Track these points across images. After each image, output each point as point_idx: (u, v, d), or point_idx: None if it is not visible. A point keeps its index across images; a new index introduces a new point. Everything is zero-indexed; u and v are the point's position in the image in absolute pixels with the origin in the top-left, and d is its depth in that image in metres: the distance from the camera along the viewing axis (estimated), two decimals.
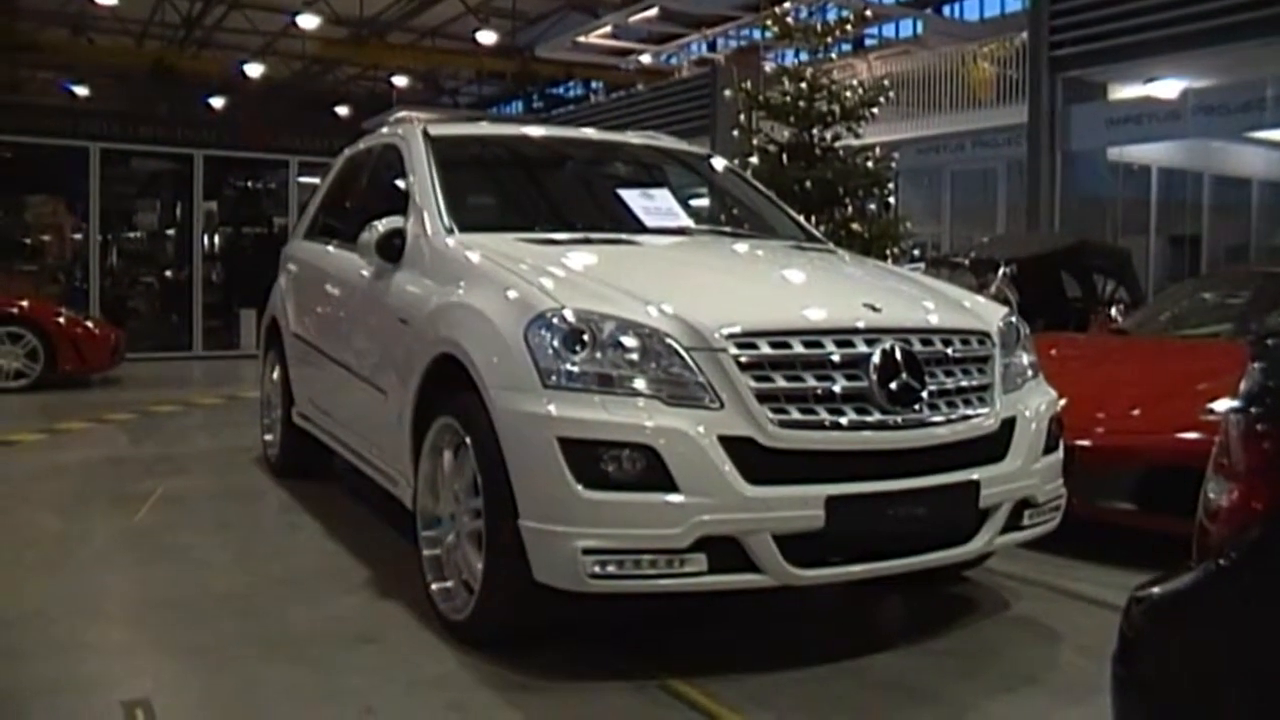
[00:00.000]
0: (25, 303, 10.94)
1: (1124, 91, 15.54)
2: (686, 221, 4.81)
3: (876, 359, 3.43)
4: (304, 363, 5.69)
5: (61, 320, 10.85)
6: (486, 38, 26.51)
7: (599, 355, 3.30)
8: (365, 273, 4.61)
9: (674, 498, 3.17)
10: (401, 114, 6.51)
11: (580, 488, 3.17)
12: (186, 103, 27.36)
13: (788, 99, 10.92)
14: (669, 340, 3.31)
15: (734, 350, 3.31)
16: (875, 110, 11.12)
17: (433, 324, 3.87)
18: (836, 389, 3.37)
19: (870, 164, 10.94)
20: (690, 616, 3.91)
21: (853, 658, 3.62)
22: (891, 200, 11.57)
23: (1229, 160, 18.20)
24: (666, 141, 5.73)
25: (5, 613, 3.95)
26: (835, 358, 3.40)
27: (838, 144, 10.96)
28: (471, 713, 3.18)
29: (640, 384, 3.27)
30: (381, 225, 4.37)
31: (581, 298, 3.46)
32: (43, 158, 14.63)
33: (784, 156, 10.85)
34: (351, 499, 5.74)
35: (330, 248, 5.50)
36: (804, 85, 10.91)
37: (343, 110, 32.35)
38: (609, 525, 3.17)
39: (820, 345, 3.41)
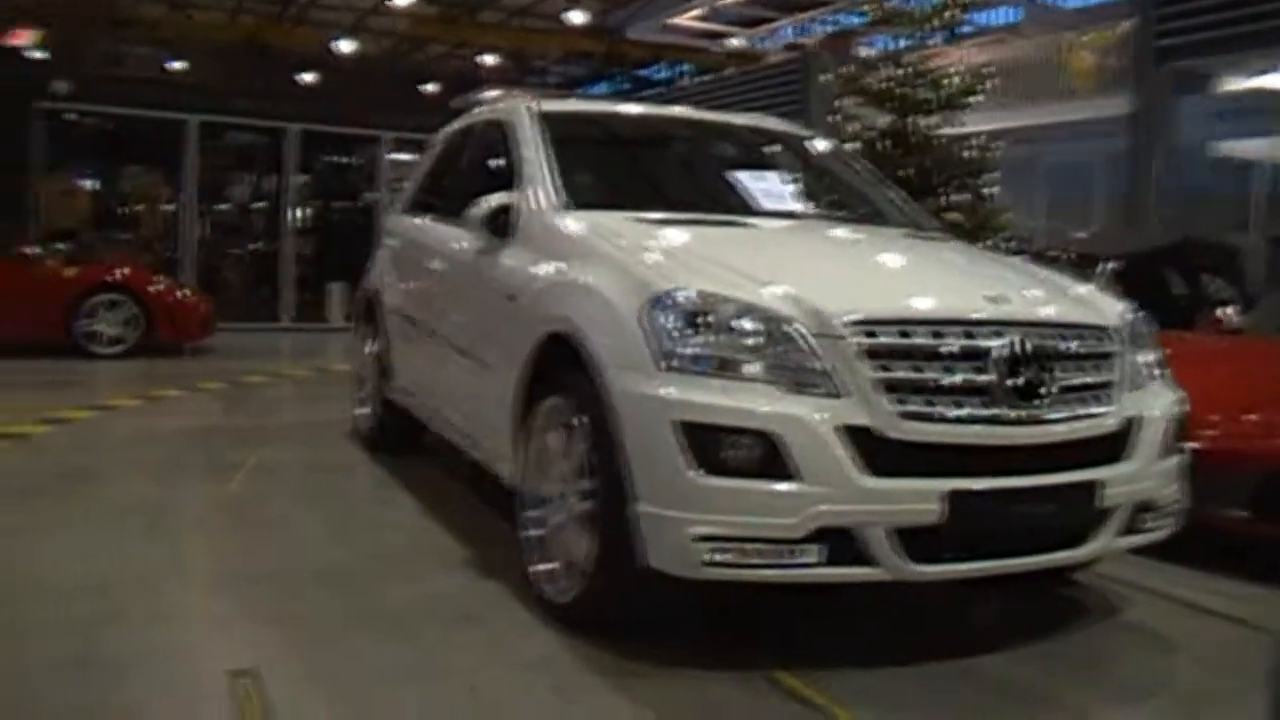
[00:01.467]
0: (124, 271, 11.13)
1: (1233, 84, 15.07)
2: (799, 205, 4.72)
3: (1001, 352, 3.33)
4: (402, 337, 5.69)
5: (158, 289, 11.04)
6: (576, 18, 26.46)
7: (718, 338, 3.24)
8: (471, 248, 4.57)
9: (791, 486, 3.11)
10: (495, 92, 6.49)
11: (697, 473, 3.12)
12: (279, 78, 27.64)
13: (886, 85, 10.74)
14: (790, 325, 3.23)
15: (856, 338, 3.22)
16: (977, 98, 10.87)
17: (543, 301, 3.82)
18: (958, 381, 3.28)
19: (969, 153, 10.71)
20: (798, 608, 3.84)
21: (962, 657, 3.53)
22: (991, 190, 11.29)
23: None
24: (776, 124, 5.64)
25: (108, 577, 3.98)
26: (958, 349, 3.31)
27: (936, 133, 10.76)
28: (576, 697, 3.14)
29: (760, 369, 3.20)
30: (490, 200, 4.34)
31: (700, 279, 3.40)
32: (142, 130, 14.87)
33: (883, 144, 10.67)
34: (446, 476, 5.73)
35: (433, 222, 5.48)
36: (904, 71, 10.72)
37: (431, 88, 32.53)
38: (725, 512, 3.12)
39: (943, 336, 3.31)
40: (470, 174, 5.36)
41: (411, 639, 3.51)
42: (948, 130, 10.93)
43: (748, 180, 4.72)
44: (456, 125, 5.98)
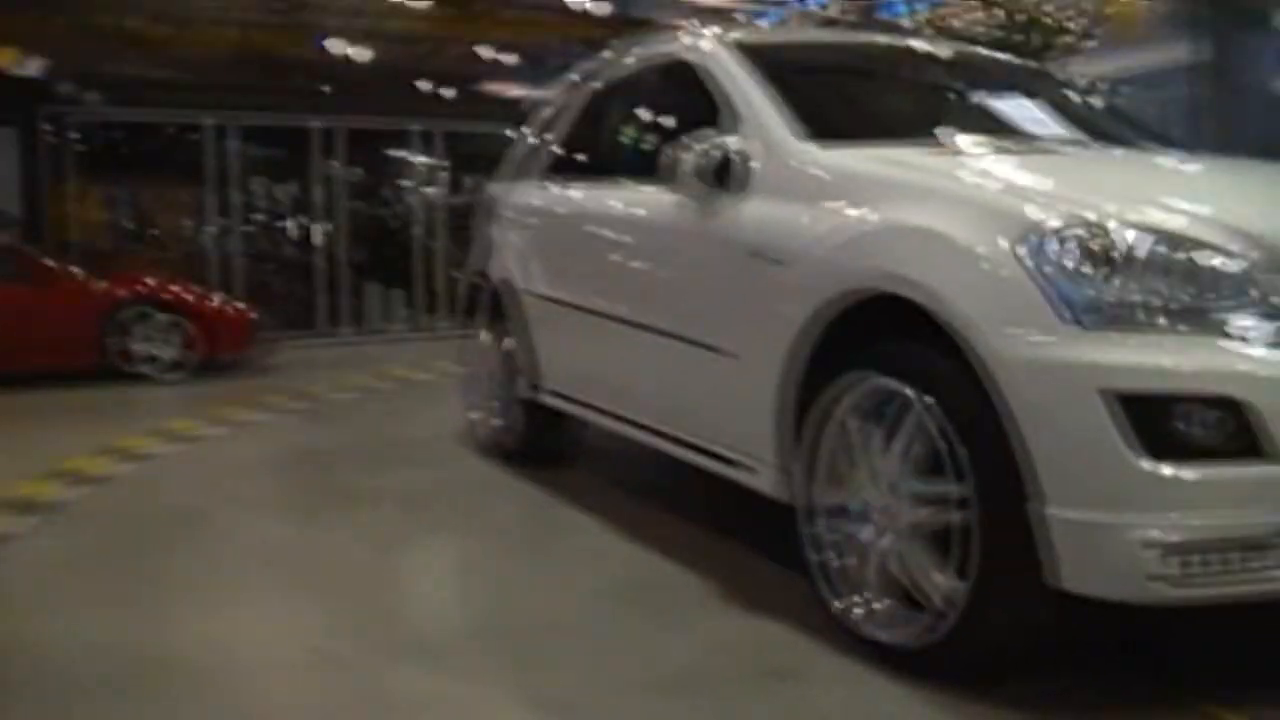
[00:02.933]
0: (156, 281, 10.20)
1: None
2: (1072, 131, 3.85)
3: None
4: (558, 327, 4.81)
5: (196, 300, 10.12)
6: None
7: (1139, 280, 2.40)
8: (678, 207, 3.69)
9: (1267, 469, 2.29)
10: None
11: (1146, 460, 2.28)
12: (297, 87, 26.70)
13: (982, 28, 9.89)
14: (1232, 258, 2.40)
15: None
16: (1091, 43, 9.99)
17: (839, 257, 2.95)
18: None
19: None
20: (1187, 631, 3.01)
21: None
22: None
23: None
24: (985, 51, 4.82)
25: (278, 652, 3.13)
26: None
27: None
28: None
29: (1201, 316, 2.38)
30: (707, 146, 3.47)
31: (1082, 207, 2.55)
32: (160, 137, 13.97)
33: None
34: (623, 490, 4.87)
35: (594, 187, 4.59)
36: (998, 11, 9.86)
37: (434, 87, 31.67)
38: (1187, 510, 2.29)
39: None
40: (647, 126, 4.50)
41: (724, 708, 2.66)
42: None
43: (1009, 107, 3.88)
44: (600, 80, 5.07)
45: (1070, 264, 2.42)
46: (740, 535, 3.98)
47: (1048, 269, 2.43)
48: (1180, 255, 2.40)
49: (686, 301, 3.72)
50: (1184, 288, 2.38)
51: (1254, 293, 2.38)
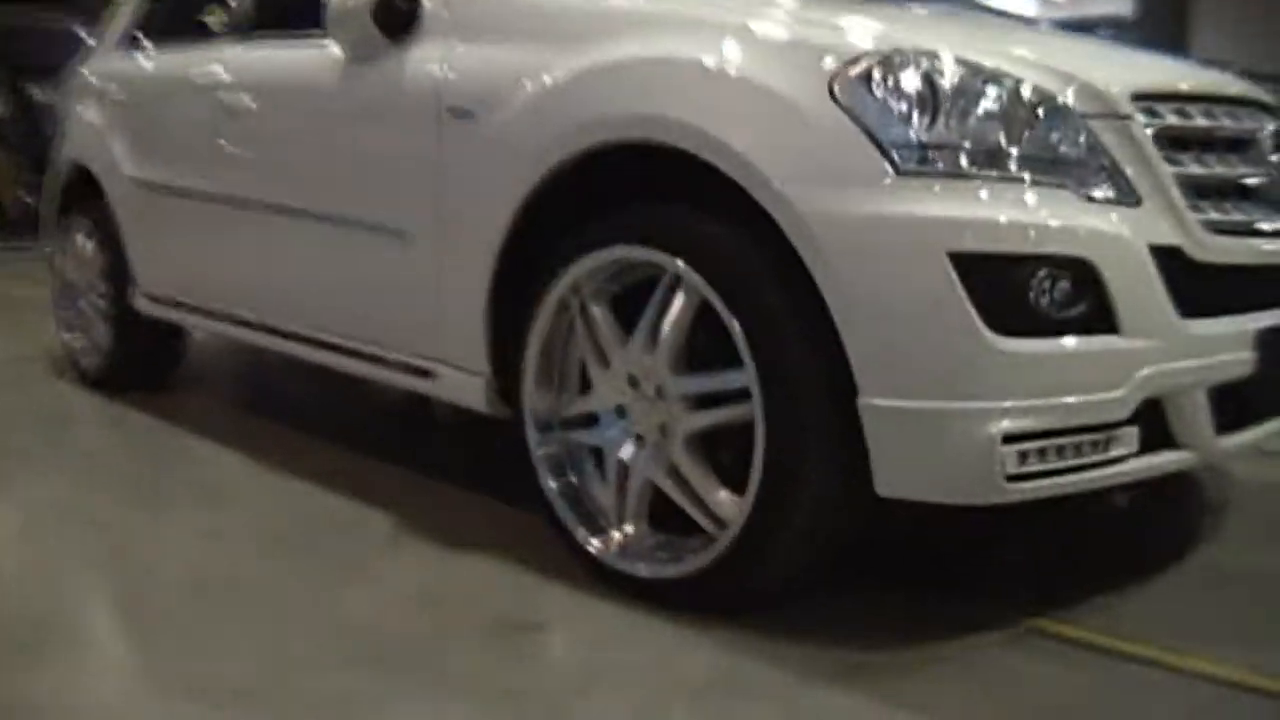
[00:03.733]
0: None
1: None
2: None
3: (1272, 138, 2.41)
4: (166, 220, 3.87)
5: None
6: None
7: (964, 123, 1.99)
8: (337, 62, 2.96)
9: (1116, 342, 1.99)
10: None
11: (997, 335, 1.89)
12: None
13: None
14: (1061, 100, 2.05)
15: (1143, 118, 2.11)
16: None
17: (578, 102, 2.35)
18: (1247, 178, 2.31)
19: None
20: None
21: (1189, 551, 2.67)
22: None
23: None
24: None
25: None
26: (1233, 135, 2.33)
27: None
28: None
29: (1039, 165, 2.01)
30: None
31: (891, 39, 2.10)
32: None
33: None
34: (250, 414, 4.09)
35: (207, 50, 3.71)
36: None
37: None
38: (1039, 393, 1.94)
39: (1217, 117, 2.31)
40: None
41: (440, 673, 2.06)
42: None
43: None
44: None
45: (898, 101, 1.98)
46: (421, 465, 3.35)
47: (871, 107, 1.98)
48: (1017, 95, 2.02)
49: (356, 177, 2.98)
50: (1023, 130, 2.00)
51: (1087, 137, 2.05)
